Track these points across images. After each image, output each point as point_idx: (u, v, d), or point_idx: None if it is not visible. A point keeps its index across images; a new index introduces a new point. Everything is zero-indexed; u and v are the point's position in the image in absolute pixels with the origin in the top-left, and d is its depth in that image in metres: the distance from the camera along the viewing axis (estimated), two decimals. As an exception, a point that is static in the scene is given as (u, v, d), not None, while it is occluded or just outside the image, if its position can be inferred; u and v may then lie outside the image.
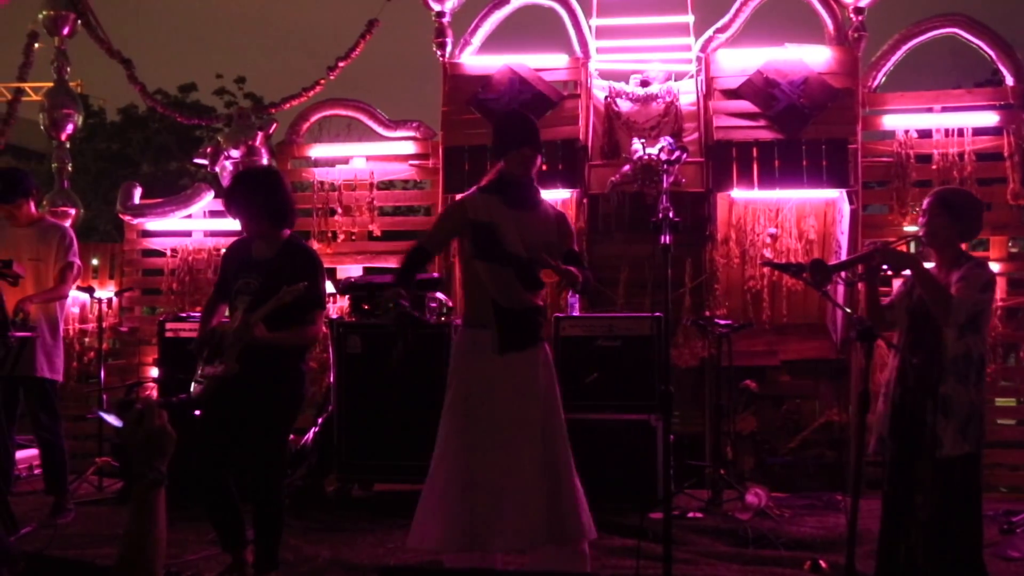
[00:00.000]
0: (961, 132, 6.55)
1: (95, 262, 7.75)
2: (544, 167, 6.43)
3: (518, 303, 3.85)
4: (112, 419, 2.47)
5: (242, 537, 4.27)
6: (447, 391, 3.95)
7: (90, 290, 6.93)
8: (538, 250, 3.82)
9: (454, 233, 4.02)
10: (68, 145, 7.89)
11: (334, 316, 6.36)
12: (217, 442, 4.15)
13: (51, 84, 7.83)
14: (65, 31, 7.70)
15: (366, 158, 7.36)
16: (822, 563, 4.56)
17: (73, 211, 7.61)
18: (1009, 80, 6.55)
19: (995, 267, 6.44)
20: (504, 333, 3.84)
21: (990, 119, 6.57)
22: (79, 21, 7.70)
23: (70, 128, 7.81)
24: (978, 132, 6.56)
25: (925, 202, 4.05)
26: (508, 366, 3.82)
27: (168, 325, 6.38)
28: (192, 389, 4.24)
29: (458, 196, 6.73)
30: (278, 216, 4.26)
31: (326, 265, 4.63)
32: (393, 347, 3.94)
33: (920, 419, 3.83)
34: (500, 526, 3.69)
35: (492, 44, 7.24)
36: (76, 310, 7.43)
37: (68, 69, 7.83)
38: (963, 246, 4.01)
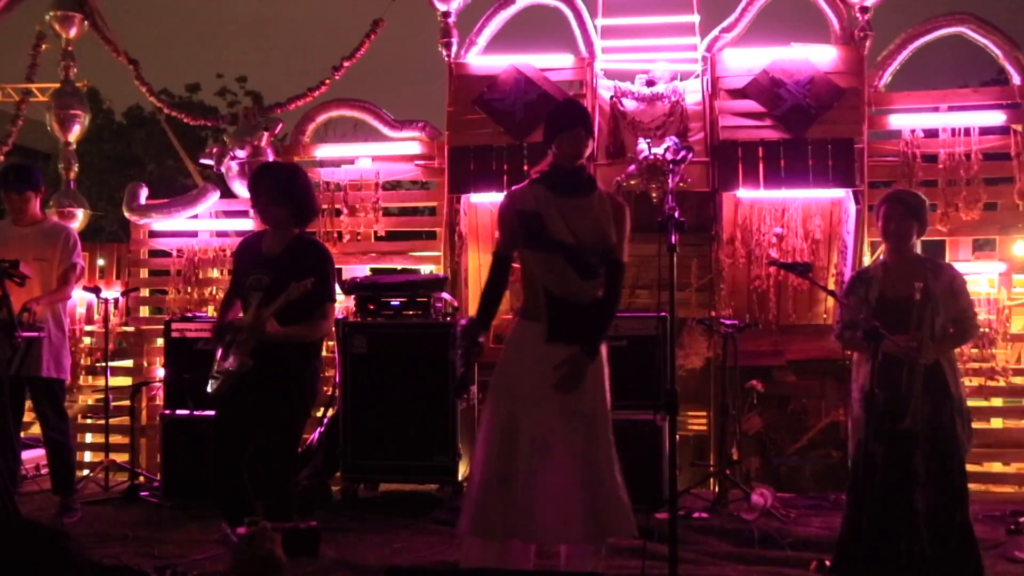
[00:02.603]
0: (968, 131, 6.51)
1: (101, 262, 7.76)
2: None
3: (573, 293, 3.72)
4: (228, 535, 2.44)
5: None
6: (493, 377, 3.83)
7: (96, 290, 6.94)
8: (590, 240, 3.70)
9: (511, 226, 3.86)
10: (75, 146, 7.91)
11: (340, 316, 6.35)
12: (232, 438, 4.17)
13: (58, 85, 7.85)
14: (72, 32, 7.73)
15: (372, 158, 7.35)
16: (828, 563, 4.55)
17: (80, 211, 7.63)
18: (1016, 79, 6.52)
19: (1001, 266, 6.44)
20: (554, 322, 3.71)
21: (997, 118, 6.54)
22: (86, 22, 7.73)
23: (77, 129, 7.83)
24: (985, 131, 6.53)
25: (885, 207, 4.18)
26: (554, 358, 3.66)
27: (174, 325, 6.38)
28: (208, 386, 4.25)
29: (460, 195, 6.88)
30: (300, 210, 4.32)
31: (331, 265, 4.64)
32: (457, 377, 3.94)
33: (901, 414, 4.00)
34: (539, 519, 3.59)
35: (498, 44, 7.23)
36: (83, 310, 7.45)
37: (75, 70, 7.86)
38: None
